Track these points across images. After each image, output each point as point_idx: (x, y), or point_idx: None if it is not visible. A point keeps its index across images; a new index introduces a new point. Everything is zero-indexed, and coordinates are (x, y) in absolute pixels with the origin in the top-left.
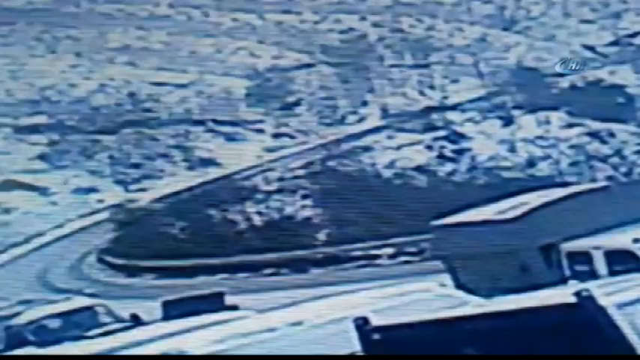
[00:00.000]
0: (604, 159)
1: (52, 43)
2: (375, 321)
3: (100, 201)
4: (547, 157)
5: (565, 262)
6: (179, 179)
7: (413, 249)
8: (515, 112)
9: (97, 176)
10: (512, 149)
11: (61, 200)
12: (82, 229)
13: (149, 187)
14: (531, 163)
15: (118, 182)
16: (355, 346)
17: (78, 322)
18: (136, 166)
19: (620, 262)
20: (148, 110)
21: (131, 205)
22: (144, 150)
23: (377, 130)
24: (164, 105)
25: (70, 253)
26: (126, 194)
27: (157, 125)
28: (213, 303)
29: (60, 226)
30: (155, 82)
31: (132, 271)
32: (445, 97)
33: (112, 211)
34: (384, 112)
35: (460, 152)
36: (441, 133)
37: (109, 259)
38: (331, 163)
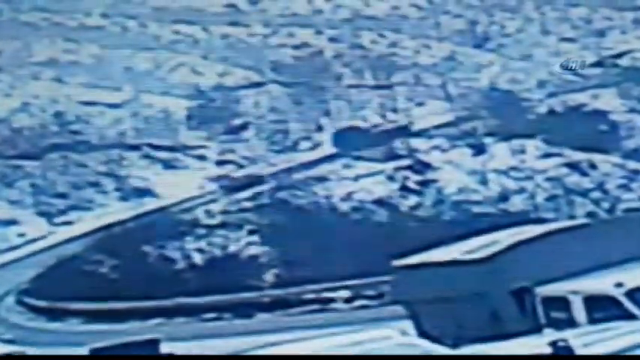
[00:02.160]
0: (584, 193)
1: None
2: None
3: (21, 235)
4: (521, 190)
5: (540, 309)
6: (110, 211)
7: (371, 292)
8: (487, 140)
9: (18, 207)
10: (484, 181)
11: None
12: (1, 266)
13: (76, 219)
14: (504, 196)
15: (42, 214)
16: None
17: None
18: (62, 195)
19: (601, 309)
20: (77, 133)
21: (236, 173)
22: (71, 178)
23: (333, 158)
24: (94, 127)
25: None
26: (50, 227)
27: (87, 150)
28: (147, 351)
29: None
30: (85, 101)
31: (56, 315)
32: (410, 122)
33: (218, 181)
34: None
35: (425, 184)
36: (405, 162)
37: (30, 300)
38: (281, 195)
